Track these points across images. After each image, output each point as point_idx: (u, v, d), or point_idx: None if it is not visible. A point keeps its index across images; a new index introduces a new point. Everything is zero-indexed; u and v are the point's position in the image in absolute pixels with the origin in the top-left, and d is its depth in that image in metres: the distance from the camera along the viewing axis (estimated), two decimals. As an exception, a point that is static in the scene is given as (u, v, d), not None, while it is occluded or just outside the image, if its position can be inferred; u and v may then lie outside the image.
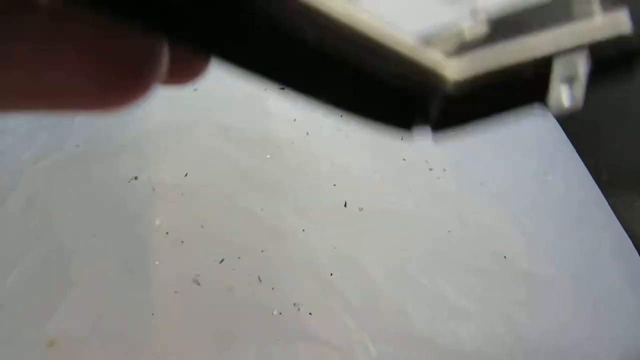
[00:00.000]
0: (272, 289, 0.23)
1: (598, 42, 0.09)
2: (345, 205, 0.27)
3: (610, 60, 0.09)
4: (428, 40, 0.08)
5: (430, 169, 0.30)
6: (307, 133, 0.30)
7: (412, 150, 0.30)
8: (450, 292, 0.25)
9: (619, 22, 0.09)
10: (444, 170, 0.30)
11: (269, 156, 0.28)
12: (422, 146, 0.31)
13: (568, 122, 0.38)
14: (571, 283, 0.29)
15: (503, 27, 0.09)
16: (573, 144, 0.36)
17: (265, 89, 0.32)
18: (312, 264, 0.24)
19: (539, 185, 0.33)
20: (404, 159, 0.30)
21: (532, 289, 0.27)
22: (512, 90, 0.08)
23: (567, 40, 0.08)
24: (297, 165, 0.28)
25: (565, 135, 0.36)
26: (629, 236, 0.34)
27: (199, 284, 0.23)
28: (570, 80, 0.09)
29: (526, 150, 0.34)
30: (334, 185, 0.28)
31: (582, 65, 0.09)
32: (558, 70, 0.09)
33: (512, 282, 0.27)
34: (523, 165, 0.33)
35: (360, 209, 0.27)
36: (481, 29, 0.09)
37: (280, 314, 0.22)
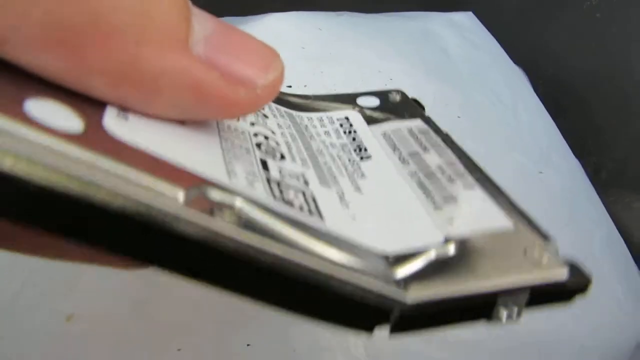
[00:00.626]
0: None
1: (539, 285, 0.11)
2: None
3: (547, 295, 0.11)
4: (400, 259, 0.11)
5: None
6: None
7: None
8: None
9: (559, 273, 0.11)
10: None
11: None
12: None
13: (566, 122, 0.39)
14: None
15: (467, 252, 0.11)
16: (569, 144, 0.37)
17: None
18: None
19: (533, 183, 0.34)
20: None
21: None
22: (460, 312, 0.11)
23: (515, 284, 0.11)
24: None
25: (560, 135, 0.37)
26: (622, 236, 0.35)
27: (204, 268, 0.24)
28: (511, 308, 0.11)
29: (521, 149, 0.35)
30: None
31: (523, 299, 0.11)
32: (502, 301, 0.11)
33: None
34: (517, 164, 0.34)
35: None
36: (448, 251, 0.11)
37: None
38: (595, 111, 0.40)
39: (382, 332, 0.10)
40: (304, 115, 0.16)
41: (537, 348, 0.27)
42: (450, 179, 0.14)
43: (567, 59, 0.42)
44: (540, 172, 0.35)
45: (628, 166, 0.38)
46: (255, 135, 0.13)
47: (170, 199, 0.08)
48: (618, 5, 0.38)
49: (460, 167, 0.14)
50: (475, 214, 0.12)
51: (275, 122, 0.14)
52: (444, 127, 0.34)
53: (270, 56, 0.10)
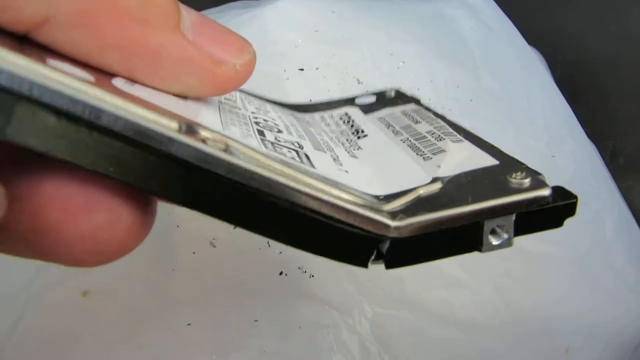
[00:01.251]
0: (280, 253, 0.25)
1: (523, 203, 0.11)
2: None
3: (535, 218, 0.11)
4: (389, 197, 0.11)
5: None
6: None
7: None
8: (446, 264, 0.27)
9: (540, 191, 0.11)
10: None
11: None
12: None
13: (583, 106, 0.38)
14: (570, 260, 0.30)
15: (453, 187, 0.12)
16: (585, 128, 0.37)
17: (285, 70, 0.34)
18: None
19: (546, 167, 0.33)
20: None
21: (530, 265, 0.28)
22: (449, 239, 0.11)
23: (496, 205, 0.11)
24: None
25: (574, 118, 0.37)
26: (637, 220, 0.35)
27: (214, 247, 0.25)
28: (500, 234, 0.11)
29: (535, 133, 0.35)
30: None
31: (509, 223, 0.11)
32: (489, 226, 0.11)
33: (510, 257, 0.28)
34: (530, 147, 0.34)
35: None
36: (435, 188, 0.12)
37: (286, 275, 0.25)
38: (613, 95, 0.39)
39: (378, 266, 0.11)
40: (306, 114, 0.17)
41: (547, 336, 0.27)
42: (439, 138, 0.14)
43: (586, 42, 0.41)
44: (553, 156, 0.34)
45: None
46: (255, 118, 0.14)
47: (165, 126, 0.09)
48: (640, -14, 0.37)
49: (449, 129, 0.15)
50: (462, 159, 0.13)
51: (275, 115, 0.15)
52: (455, 109, 0.34)
53: (243, 42, 0.12)
